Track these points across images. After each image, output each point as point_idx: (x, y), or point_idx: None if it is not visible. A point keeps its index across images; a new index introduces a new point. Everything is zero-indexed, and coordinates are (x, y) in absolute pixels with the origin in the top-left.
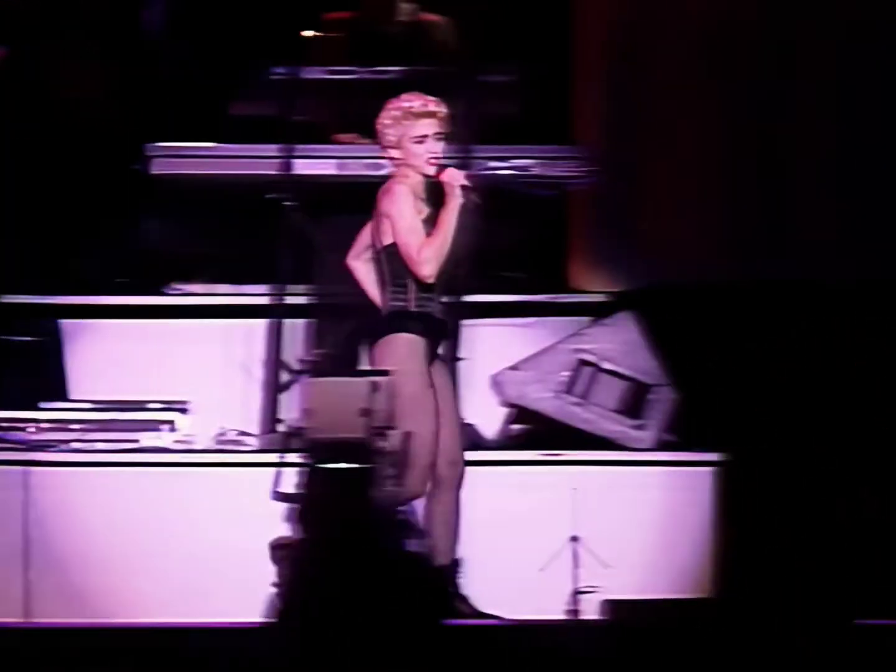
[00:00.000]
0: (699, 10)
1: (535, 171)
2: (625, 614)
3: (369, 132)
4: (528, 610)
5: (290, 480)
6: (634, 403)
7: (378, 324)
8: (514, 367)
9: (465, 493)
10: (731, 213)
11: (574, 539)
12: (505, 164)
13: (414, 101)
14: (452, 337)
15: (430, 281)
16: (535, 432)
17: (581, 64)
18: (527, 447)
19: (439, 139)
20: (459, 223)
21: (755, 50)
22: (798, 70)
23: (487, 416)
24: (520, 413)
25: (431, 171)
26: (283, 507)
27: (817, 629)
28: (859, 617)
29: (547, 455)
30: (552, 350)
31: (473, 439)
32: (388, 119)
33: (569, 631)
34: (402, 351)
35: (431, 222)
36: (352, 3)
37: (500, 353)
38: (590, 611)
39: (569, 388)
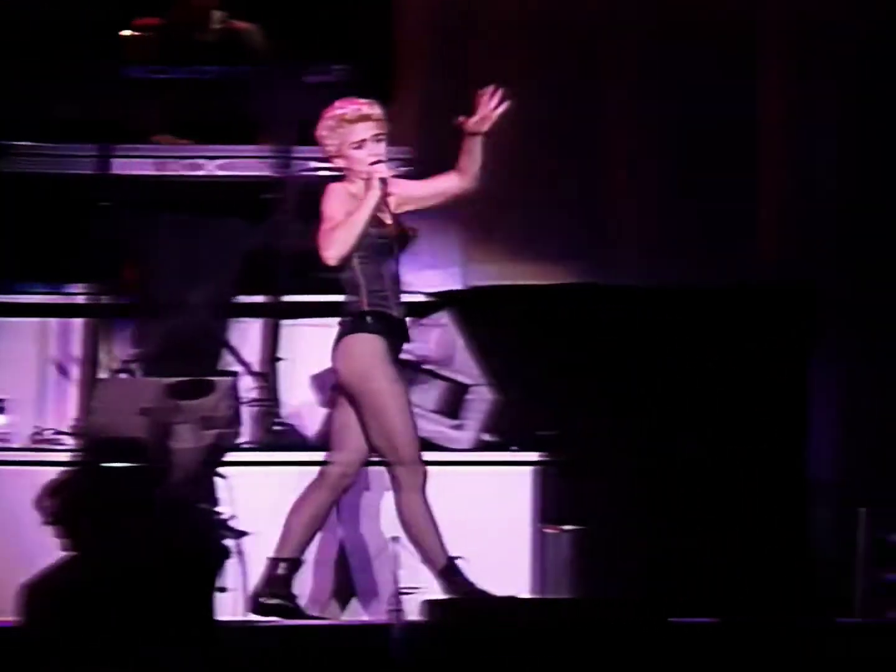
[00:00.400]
0: (519, 11)
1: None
2: (445, 615)
3: (186, 133)
4: (351, 611)
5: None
6: (453, 404)
7: (339, 327)
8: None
9: (285, 495)
10: (549, 215)
11: (394, 539)
12: (324, 165)
13: (347, 107)
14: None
15: (332, 264)
16: None
17: (402, 65)
18: None
19: (378, 140)
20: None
21: (574, 51)
22: (606, 68)
23: (308, 416)
24: None
25: (381, 172)
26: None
27: (634, 627)
28: (674, 615)
29: None
30: None
31: (294, 440)
32: (324, 129)
33: (390, 631)
34: (357, 350)
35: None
36: (163, 8)
37: (321, 354)
38: (412, 611)
39: None
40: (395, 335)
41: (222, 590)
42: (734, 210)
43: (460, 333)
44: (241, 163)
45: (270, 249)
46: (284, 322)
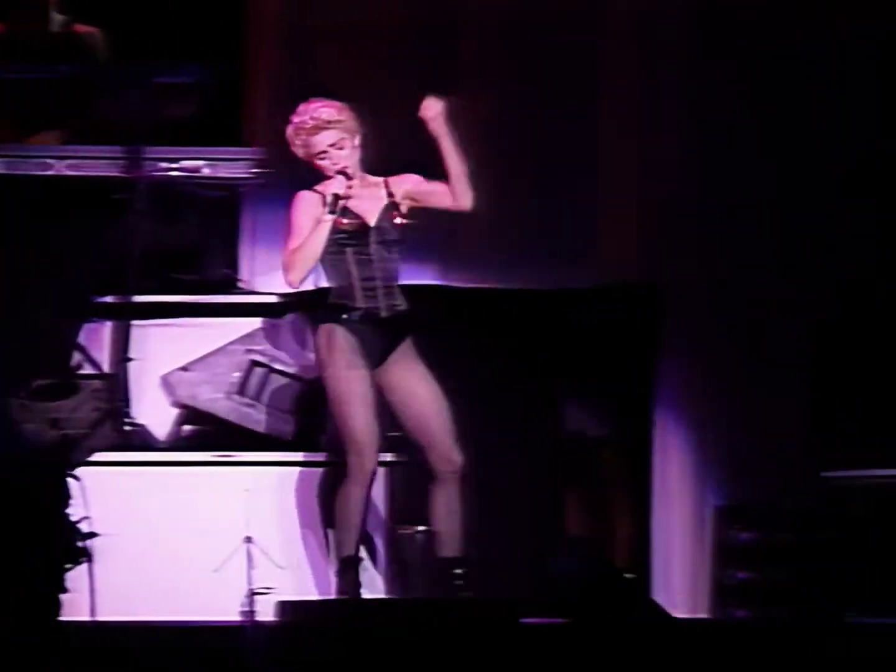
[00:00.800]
0: (370, 11)
1: (206, 172)
2: (299, 615)
3: (33, 132)
4: (203, 611)
5: None
6: (306, 404)
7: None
8: (184, 368)
9: (136, 496)
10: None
11: (248, 540)
12: (176, 166)
13: (306, 118)
14: (397, 331)
15: (295, 287)
16: (208, 433)
17: (252, 66)
18: (199, 448)
19: (341, 148)
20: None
21: (426, 53)
22: (453, 68)
23: (159, 417)
24: (191, 414)
25: (342, 178)
26: None
27: (485, 627)
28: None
29: (219, 456)
30: (223, 351)
31: (146, 440)
32: (291, 137)
33: (244, 632)
34: (318, 341)
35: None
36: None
37: (172, 354)
38: (265, 612)
39: (240, 389)
40: (361, 326)
41: (65, 591)
42: (581, 214)
43: (312, 334)
44: (91, 163)
45: (122, 250)
46: (135, 322)
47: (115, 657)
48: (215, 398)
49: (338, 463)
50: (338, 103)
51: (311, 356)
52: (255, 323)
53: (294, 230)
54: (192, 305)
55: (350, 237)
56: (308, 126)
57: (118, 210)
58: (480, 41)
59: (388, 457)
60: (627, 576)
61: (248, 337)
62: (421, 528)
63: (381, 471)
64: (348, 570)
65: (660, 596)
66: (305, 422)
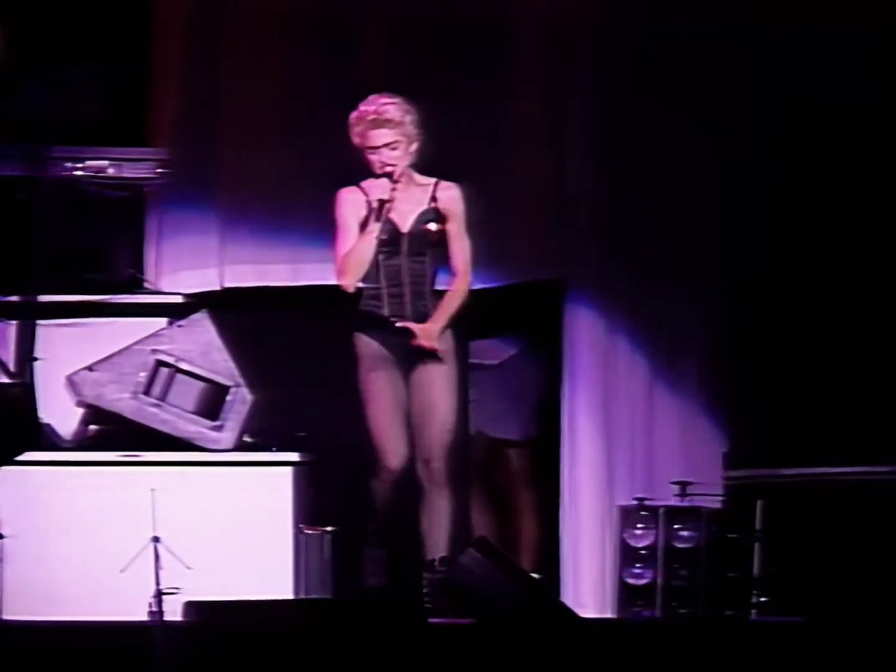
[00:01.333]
0: (272, 10)
1: (111, 172)
2: (207, 615)
3: None
4: (109, 611)
5: None
6: (212, 404)
7: None
8: (90, 368)
9: (41, 497)
10: (306, 216)
11: (155, 540)
12: (80, 166)
13: (370, 109)
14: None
15: (349, 291)
16: (114, 433)
17: (157, 66)
18: (105, 448)
19: (394, 149)
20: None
21: (325, 48)
22: (361, 67)
23: (65, 416)
24: (97, 414)
25: (388, 176)
26: None
27: (393, 627)
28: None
29: (125, 456)
30: (129, 351)
31: (52, 440)
32: (351, 126)
33: (151, 632)
34: (354, 344)
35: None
36: None
37: (77, 354)
38: (172, 612)
39: (146, 389)
40: (388, 333)
41: None
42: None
43: (218, 334)
44: None
45: (26, 249)
46: (40, 322)
47: (20, 657)
48: (121, 398)
49: (255, 463)
50: (405, 105)
51: (218, 356)
52: (161, 323)
53: (341, 229)
54: (98, 305)
55: (381, 243)
56: (369, 118)
57: (22, 210)
58: (387, 42)
59: (295, 457)
60: (535, 576)
61: (154, 337)
62: (328, 528)
63: (287, 471)
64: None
65: (568, 596)
66: (211, 422)
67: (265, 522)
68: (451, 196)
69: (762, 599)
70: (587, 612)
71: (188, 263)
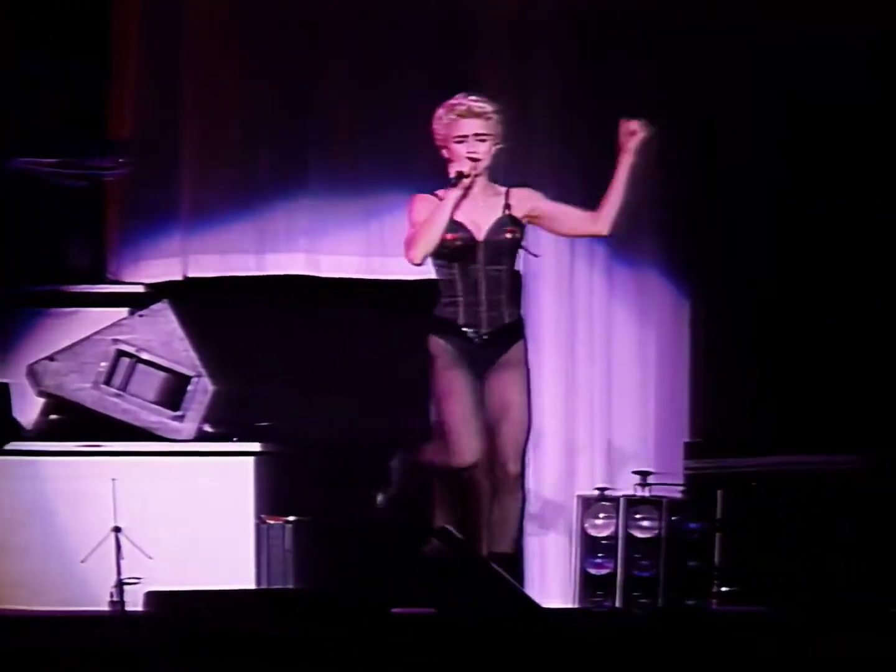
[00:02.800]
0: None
1: (71, 162)
2: (168, 605)
3: None
4: (70, 601)
5: None
6: (173, 394)
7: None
8: (50, 358)
9: (2, 485)
10: (264, 207)
11: (116, 530)
12: (40, 156)
13: (462, 101)
14: (499, 342)
15: (415, 263)
16: (75, 423)
17: (117, 57)
18: (65, 438)
19: (482, 140)
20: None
21: (285, 39)
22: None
23: (25, 406)
24: (58, 403)
25: (469, 169)
26: None
27: (355, 617)
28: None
29: (86, 446)
30: (90, 341)
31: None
32: (437, 118)
33: (112, 622)
34: (429, 348)
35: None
36: None
37: (37, 343)
38: (134, 602)
39: (107, 378)
40: (464, 341)
41: None
42: None
43: (179, 324)
44: None
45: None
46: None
47: None
48: (82, 388)
49: (217, 454)
50: (495, 105)
51: (179, 346)
52: (122, 313)
53: (413, 224)
54: (59, 295)
55: (458, 252)
56: (462, 109)
57: None
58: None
59: (257, 447)
60: (497, 567)
61: (115, 326)
62: (289, 518)
63: (248, 461)
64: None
65: (532, 586)
66: (172, 412)
67: (226, 512)
68: (523, 195)
69: (723, 589)
70: (553, 602)
71: (150, 253)
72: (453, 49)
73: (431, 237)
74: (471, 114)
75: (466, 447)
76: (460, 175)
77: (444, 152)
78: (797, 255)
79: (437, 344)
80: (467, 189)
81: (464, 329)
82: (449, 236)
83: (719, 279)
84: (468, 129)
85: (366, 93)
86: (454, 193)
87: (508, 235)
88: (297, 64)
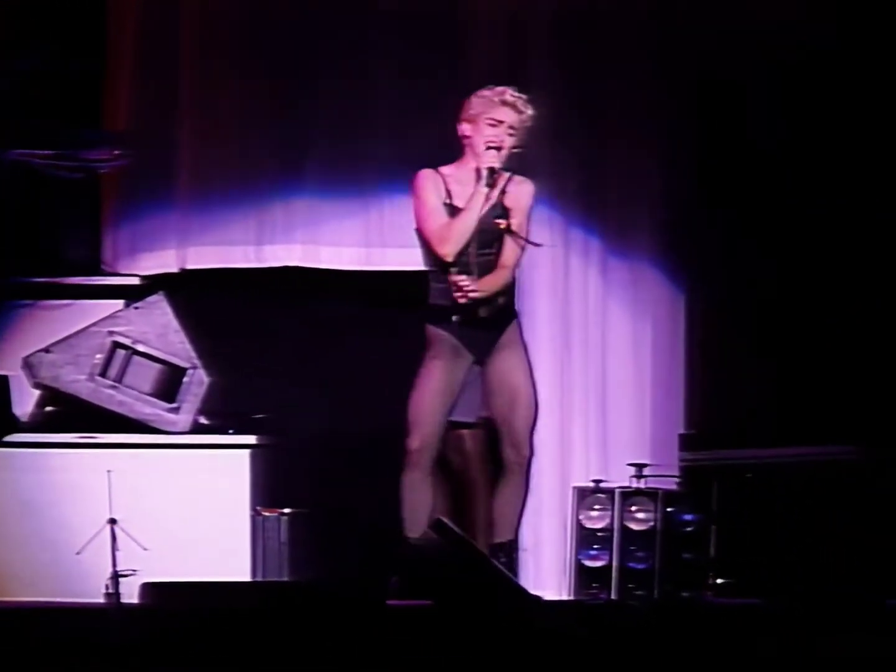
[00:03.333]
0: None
1: (66, 154)
2: (164, 597)
3: None
4: (66, 593)
5: None
6: (168, 386)
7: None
8: (46, 350)
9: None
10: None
11: (112, 521)
12: (36, 148)
13: (510, 92)
14: (496, 325)
15: (449, 259)
16: (70, 415)
17: (113, 47)
18: (61, 430)
19: (510, 134)
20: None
21: (283, 31)
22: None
23: (21, 398)
24: (53, 395)
25: (488, 157)
26: None
27: (350, 609)
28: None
29: (82, 438)
30: (85, 333)
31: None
32: (479, 96)
33: (108, 614)
34: (427, 335)
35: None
36: None
37: (32, 335)
38: (129, 594)
39: (102, 370)
40: (460, 327)
41: None
42: None
43: (175, 316)
44: None
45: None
46: None
47: None
48: (77, 379)
49: (212, 446)
50: (534, 110)
51: (174, 338)
52: (118, 305)
53: (427, 207)
54: (54, 287)
55: None
56: (508, 97)
57: None
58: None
59: (252, 439)
60: (491, 558)
61: (111, 318)
62: (285, 510)
63: (244, 454)
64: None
65: (528, 577)
66: (168, 404)
67: (222, 504)
68: (522, 190)
69: (718, 581)
70: (546, 593)
71: (145, 245)
72: (452, 42)
73: (465, 234)
74: (514, 107)
75: (418, 434)
76: (492, 171)
77: (466, 127)
78: (793, 249)
79: (432, 333)
80: (493, 186)
81: (458, 315)
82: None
83: (715, 272)
84: (506, 117)
85: (364, 85)
86: (483, 190)
87: (501, 222)
88: (296, 55)
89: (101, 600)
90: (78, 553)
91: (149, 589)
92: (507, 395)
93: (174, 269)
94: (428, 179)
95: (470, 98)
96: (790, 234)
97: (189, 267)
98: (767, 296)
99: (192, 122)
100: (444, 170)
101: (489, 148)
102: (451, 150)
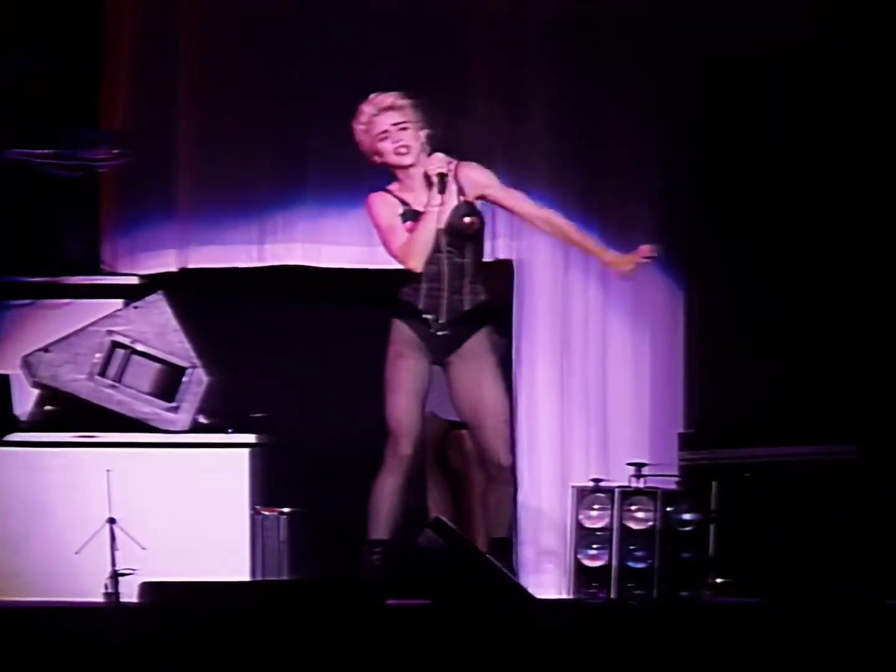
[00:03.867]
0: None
1: (65, 153)
2: (163, 596)
3: None
4: (65, 593)
5: None
6: (168, 386)
7: None
8: (45, 349)
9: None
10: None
11: (111, 521)
12: (34, 147)
13: (366, 105)
14: (461, 328)
15: (419, 270)
16: (69, 414)
17: (110, 46)
18: (60, 429)
19: (404, 129)
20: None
21: (284, 26)
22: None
23: (20, 397)
24: (52, 394)
25: (406, 160)
26: None
27: (350, 608)
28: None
29: (81, 437)
30: (84, 332)
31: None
32: (355, 132)
33: (107, 613)
34: (390, 331)
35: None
36: None
37: (31, 335)
38: (128, 593)
39: (102, 369)
40: (424, 326)
41: None
42: None
43: (174, 315)
44: None
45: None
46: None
47: None
48: (76, 379)
49: (212, 445)
50: (403, 94)
51: (174, 337)
52: (117, 304)
53: (386, 228)
54: (53, 286)
55: None
56: (371, 111)
57: None
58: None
59: (252, 438)
60: (490, 557)
61: (110, 318)
62: (284, 509)
63: (243, 453)
64: (373, 553)
65: (527, 576)
66: (167, 403)
67: (221, 504)
68: (473, 178)
69: (717, 580)
70: (545, 593)
71: (144, 244)
72: (451, 43)
73: (427, 245)
74: (382, 110)
75: (404, 440)
76: (442, 177)
77: (377, 159)
78: (792, 249)
79: (397, 328)
80: (443, 189)
81: (424, 315)
82: (409, 225)
83: (714, 272)
84: (385, 122)
85: (364, 85)
86: (437, 198)
87: (467, 221)
88: (296, 53)
89: (100, 600)
90: (77, 552)
91: (148, 588)
92: (474, 403)
93: (173, 269)
94: (377, 200)
95: (357, 140)
96: (789, 234)
97: (188, 266)
98: (766, 295)
99: (191, 121)
100: (391, 187)
101: (400, 154)
102: (451, 150)
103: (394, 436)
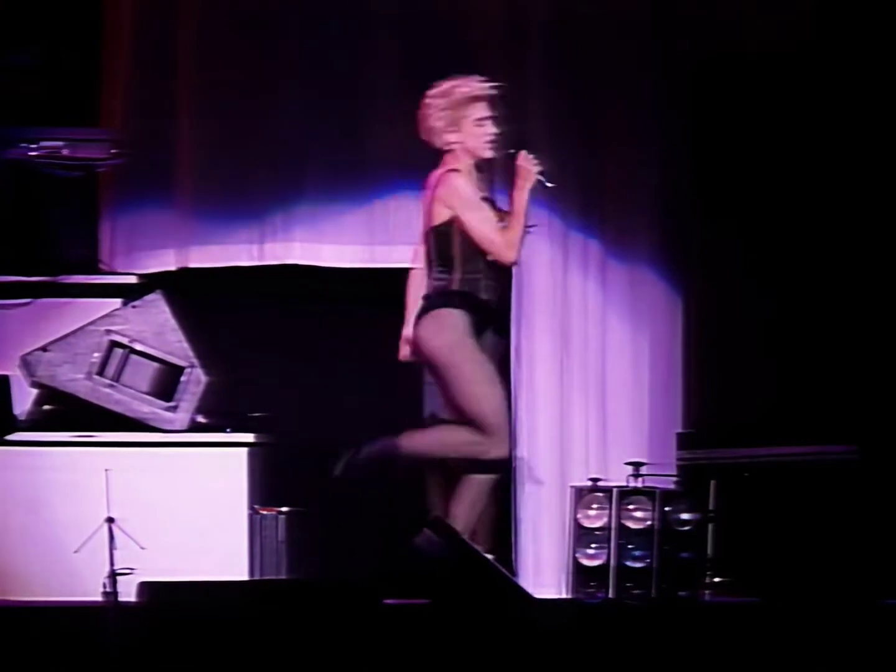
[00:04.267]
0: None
1: (64, 152)
2: (161, 596)
3: None
4: (63, 592)
5: None
6: (166, 385)
7: (422, 304)
8: (44, 348)
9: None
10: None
11: (109, 520)
12: (33, 147)
13: (471, 84)
14: (498, 320)
15: (516, 265)
16: (68, 413)
17: (109, 45)
18: (58, 428)
19: (495, 122)
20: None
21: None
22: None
23: (18, 397)
24: (51, 394)
25: (490, 153)
26: None
27: (348, 608)
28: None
29: (79, 436)
30: (83, 331)
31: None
32: (442, 101)
33: (105, 613)
34: (446, 323)
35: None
36: None
37: (30, 334)
38: (127, 592)
39: (100, 369)
40: (483, 315)
41: None
42: None
43: (172, 315)
44: None
45: None
46: None
47: None
48: (75, 378)
49: (210, 444)
50: (498, 86)
51: (172, 336)
52: (115, 303)
53: (474, 206)
54: (52, 285)
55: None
56: (476, 93)
57: None
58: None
59: (250, 437)
60: (489, 556)
61: (108, 317)
62: (283, 509)
63: (242, 452)
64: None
65: (525, 576)
66: (165, 403)
67: (220, 503)
68: (529, 165)
69: (716, 580)
70: (543, 592)
71: (143, 244)
72: (451, 43)
73: (523, 234)
74: (486, 97)
75: (504, 438)
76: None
77: (450, 136)
78: (791, 249)
79: (460, 321)
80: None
81: (486, 301)
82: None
83: (713, 273)
84: (487, 111)
85: (364, 84)
86: (529, 186)
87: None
88: (296, 52)
89: (99, 599)
90: (76, 552)
91: (146, 588)
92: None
93: (172, 268)
94: (460, 180)
95: (432, 107)
96: (788, 234)
97: (187, 266)
98: (765, 296)
99: (190, 120)
100: (438, 172)
101: (488, 145)
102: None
103: (492, 431)
